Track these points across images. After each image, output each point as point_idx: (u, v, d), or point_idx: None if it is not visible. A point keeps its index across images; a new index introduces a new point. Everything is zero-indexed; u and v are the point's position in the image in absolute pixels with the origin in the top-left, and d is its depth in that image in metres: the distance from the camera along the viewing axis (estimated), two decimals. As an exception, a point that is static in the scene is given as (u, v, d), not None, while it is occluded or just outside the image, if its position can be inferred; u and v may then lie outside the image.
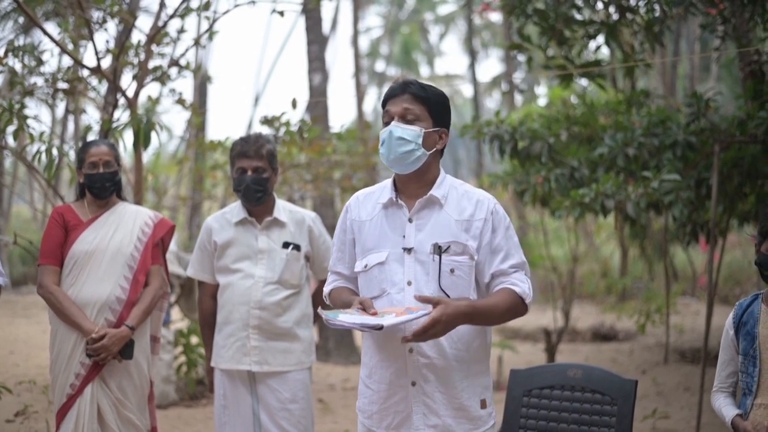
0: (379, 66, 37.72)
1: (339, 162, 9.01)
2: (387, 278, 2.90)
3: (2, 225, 18.46)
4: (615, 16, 7.64)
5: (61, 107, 16.48)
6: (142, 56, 6.13)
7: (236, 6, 6.24)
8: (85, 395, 3.98)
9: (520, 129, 7.53)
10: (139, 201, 6.02)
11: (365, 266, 2.96)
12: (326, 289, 3.14)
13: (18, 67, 6.14)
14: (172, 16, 6.15)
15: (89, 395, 3.98)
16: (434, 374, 2.88)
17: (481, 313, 2.83)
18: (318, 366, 9.49)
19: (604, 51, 12.49)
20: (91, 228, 4.13)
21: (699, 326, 11.57)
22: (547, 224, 12.42)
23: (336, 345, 10.41)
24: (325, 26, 19.22)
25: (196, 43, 6.56)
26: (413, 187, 2.97)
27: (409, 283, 2.88)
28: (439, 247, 2.87)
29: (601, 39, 7.84)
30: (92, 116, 18.07)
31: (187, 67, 6.47)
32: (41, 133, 5.17)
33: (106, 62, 6.02)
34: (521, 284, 2.93)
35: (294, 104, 6.90)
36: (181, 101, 6.75)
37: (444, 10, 36.43)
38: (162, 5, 6.61)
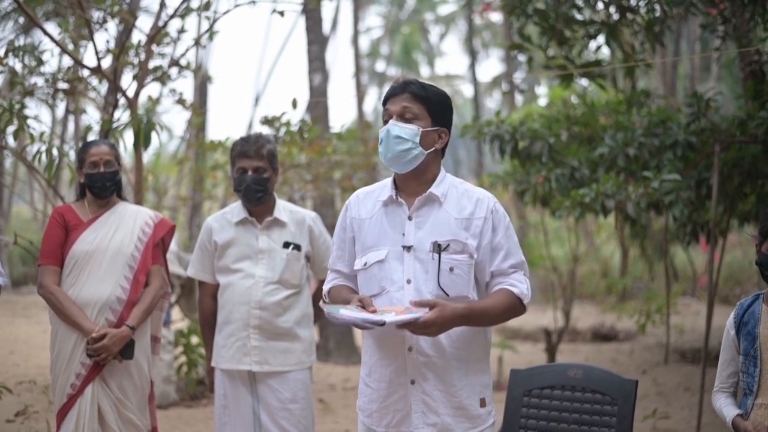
0: (380, 66, 37.75)
1: (339, 162, 9.01)
2: (386, 276, 2.91)
3: (2, 225, 18.46)
4: (615, 16, 7.64)
5: (61, 107, 16.48)
6: (143, 56, 6.13)
7: (236, 6, 6.24)
8: (86, 395, 3.97)
9: (520, 129, 7.53)
10: (139, 201, 6.02)
11: (365, 264, 2.96)
12: (326, 287, 3.14)
13: (18, 67, 6.14)
14: (172, 16, 6.15)
15: (90, 395, 3.98)
16: (433, 373, 2.88)
17: (478, 314, 2.84)
18: (318, 366, 9.49)
19: (605, 51, 12.49)
20: (92, 228, 4.13)
21: (699, 326, 11.57)
22: (547, 224, 12.43)
23: (336, 345, 10.41)
24: (326, 26, 19.23)
25: (197, 43, 6.56)
26: (413, 185, 2.97)
27: (409, 281, 2.89)
28: (439, 245, 2.88)
29: (601, 39, 7.84)
30: (92, 116, 18.08)
31: (187, 67, 6.47)
32: (41, 133, 5.17)
33: (107, 62, 6.02)
34: (520, 285, 2.93)
35: (294, 104, 6.90)
36: (181, 101, 6.75)
37: (444, 10, 36.47)
38: (162, 5, 6.61)
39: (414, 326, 2.73)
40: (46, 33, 5.79)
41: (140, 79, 6.09)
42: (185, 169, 15.84)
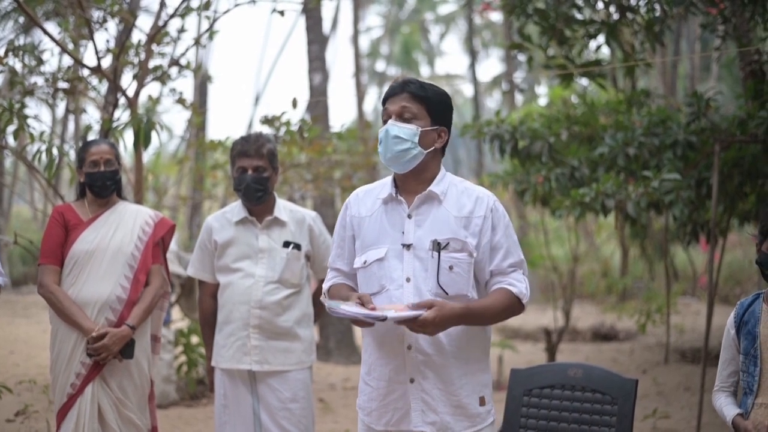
0: (380, 66, 37.73)
1: (339, 161, 9.01)
2: (386, 274, 2.91)
3: (2, 225, 18.46)
4: (615, 16, 7.64)
5: (61, 107, 16.48)
6: (143, 56, 6.13)
7: (236, 5, 6.23)
8: (86, 395, 3.97)
9: (520, 128, 7.53)
10: (139, 201, 6.02)
11: (364, 262, 2.97)
12: (325, 286, 3.15)
13: (18, 66, 6.14)
14: (172, 16, 6.15)
15: (90, 395, 3.98)
16: (433, 371, 2.89)
17: (476, 314, 2.85)
18: (318, 365, 9.49)
19: (605, 51, 12.49)
20: (92, 227, 4.13)
21: (699, 326, 11.57)
22: (547, 224, 12.42)
23: (336, 344, 10.40)
24: (326, 26, 19.23)
25: (197, 42, 6.55)
26: (412, 184, 2.97)
27: (408, 280, 2.89)
28: (438, 243, 2.88)
29: (601, 38, 7.84)
30: (92, 116, 18.06)
31: (187, 66, 6.47)
32: (41, 133, 5.17)
33: (107, 62, 6.02)
34: (518, 284, 2.94)
35: (294, 104, 6.90)
36: (181, 101, 6.75)
37: (444, 9, 36.46)
38: (162, 5, 6.61)
39: (413, 324, 2.74)
40: (46, 32, 5.79)
41: (140, 79, 6.09)
42: (185, 169, 15.85)
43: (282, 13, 6.23)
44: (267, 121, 7.20)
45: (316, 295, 4.40)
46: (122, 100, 6.04)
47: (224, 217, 4.34)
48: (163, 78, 6.35)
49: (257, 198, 4.22)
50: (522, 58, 9.57)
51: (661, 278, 13.68)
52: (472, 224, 2.93)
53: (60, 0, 6.70)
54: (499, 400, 3.85)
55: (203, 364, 7.58)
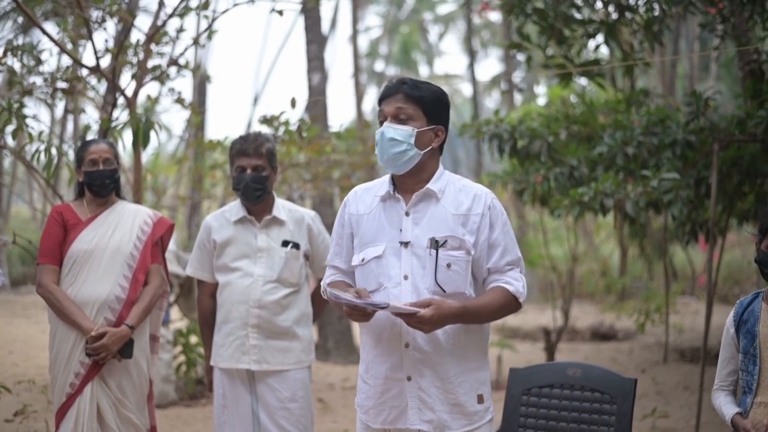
0: (379, 66, 37.73)
1: (338, 161, 9.01)
2: (384, 272, 2.92)
3: (1, 225, 18.46)
4: (614, 15, 7.63)
5: (60, 107, 16.49)
6: (141, 55, 6.12)
7: (235, 5, 6.23)
8: (85, 394, 3.97)
9: (519, 128, 7.53)
10: (138, 200, 6.01)
11: (362, 260, 2.97)
12: (323, 283, 3.15)
13: (17, 66, 6.13)
14: (171, 16, 6.15)
15: (89, 394, 3.97)
16: (430, 369, 2.89)
17: (473, 312, 2.86)
18: (317, 365, 9.49)
19: (604, 50, 12.47)
20: (91, 227, 4.12)
21: (698, 325, 11.57)
22: (546, 223, 12.42)
23: (335, 344, 10.40)
24: (325, 26, 19.20)
25: (195, 42, 6.55)
26: (410, 183, 2.98)
27: (406, 278, 2.89)
28: (436, 241, 2.88)
29: (600, 38, 7.83)
30: (91, 116, 18.06)
31: (186, 66, 6.46)
32: (40, 133, 5.17)
33: (105, 61, 6.02)
34: (515, 282, 2.94)
35: (293, 103, 6.90)
36: (180, 100, 6.74)
37: (443, 9, 36.46)
38: (161, 4, 6.60)
39: (410, 319, 2.74)
40: (44, 32, 5.79)
41: (139, 79, 6.09)
42: (184, 169, 15.84)
43: (281, 12, 6.23)
44: (266, 120, 7.20)
45: (315, 294, 4.40)
46: (121, 100, 6.04)
47: (223, 216, 4.34)
48: (161, 78, 6.35)
49: (256, 197, 4.22)
50: (521, 57, 9.57)
51: (660, 278, 13.67)
52: (470, 222, 2.93)
53: (59, 0, 6.69)
54: (498, 399, 3.86)
55: (202, 363, 7.58)
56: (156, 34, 6.08)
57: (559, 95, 12.23)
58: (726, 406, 3.20)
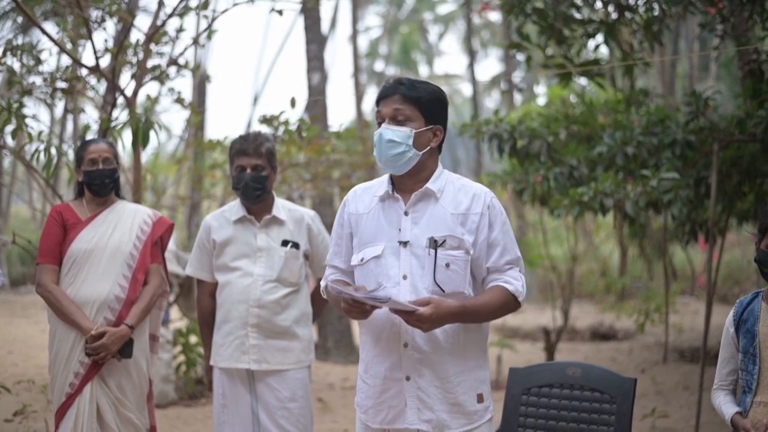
0: (378, 66, 37.73)
1: (338, 161, 9.01)
2: (383, 272, 2.91)
3: (1, 224, 18.45)
4: (614, 15, 7.63)
5: (59, 106, 16.50)
6: (141, 55, 6.12)
7: (235, 5, 6.23)
8: (84, 394, 3.97)
9: (519, 128, 7.52)
10: (137, 200, 6.01)
11: (361, 260, 2.97)
12: (323, 282, 3.16)
13: (16, 66, 6.13)
14: (170, 15, 6.14)
15: (88, 394, 3.97)
16: (429, 369, 2.89)
17: (471, 312, 2.86)
18: (317, 365, 9.48)
19: (603, 50, 12.47)
20: (90, 226, 4.12)
21: (698, 325, 11.57)
22: (546, 223, 12.42)
23: (335, 344, 10.40)
24: (324, 26, 19.20)
25: (195, 42, 6.55)
26: (409, 183, 2.98)
27: (405, 277, 2.89)
28: (435, 241, 2.88)
29: (600, 38, 7.83)
30: (91, 115, 18.08)
31: (185, 66, 6.46)
32: (40, 133, 5.17)
33: (105, 61, 6.01)
34: (515, 282, 2.94)
35: (293, 103, 6.89)
36: (179, 100, 6.74)
37: (443, 9, 36.45)
38: (161, 4, 6.59)
39: (409, 317, 2.74)
40: (44, 32, 5.78)
41: (139, 78, 6.08)
42: (184, 169, 15.84)
43: (280, 12, 6.23)
44: (265, 120, 7.19)
45: (315, 294, 4.40)
46: (121, 100, 6.03)
47: (223, 216, 4.34)
48: (161, 77, 6.34)
49: (256, 197, 4.22)
50: (521, 57, 9.57)
51: (660, 277, 13.67)
52: (469, 221, 2.93)
53: (58, 0, 6.69)
54: (498, 399, 3.86)
55: (202, 363, 7.58)
56: (156, 33, 6.07)
57: (558, 95, 12.24)
58: (726, 405, 3.20)
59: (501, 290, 2.92)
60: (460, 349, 2.92)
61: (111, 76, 5.88)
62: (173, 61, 6.35)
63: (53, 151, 5.08)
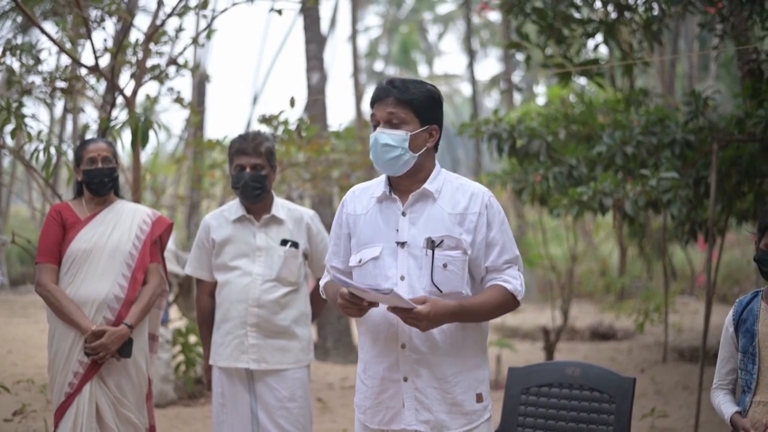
0: (378, 65, 37.72)
1: (337, 161, 9.01)
2: (381, 273, 2.91)
3: (1, 224, 18.44)
4: (613, 15, 7.63)
5: (59, 106, 16.47)
6: (140, 55, 6.11)
7: (234, 4, 6.23)
8: (84, 394, 3.97)
9: (518, 127, 7.52)
10: (137, 200, 6.00)
11: (359, 261, 2.97)
12: (322, 282, 3.16)
13: (16, 66, 6.12)
14: (170, 15, 6.14)
15: (87, 394, 3.97)
16: (427, 369, 2.89)
17: (469, 311, 2.86)
18: (316, 365, 9.48)
19: (603, 50, 12.48)
20: (89, 226, 4.12)
21: (698, 325, 11.57)
22: (545, 223, 12.42)
23: (335, 344, 10.40)
24: (324, 25, 19.21)
25: (195, 41, 6.54)
26: (407, 183, 2.98)
27: (402, 278, 2.89)
28: (432, 241, 2.88)
29: (599, 38, 7.83)
30: (90, 115, 18.09)
31: (185, 65, 6.45)
32: (39, 132, 5.16)
33: (104, 61, 6.01)
34: (513, 281, 2.94)
35: (292, 103, 6.89)
36: (179, 100, 6.73)
37: (443, 9, 36.44)
38: (160, 4, 6.59)
39: (407, 315, 2.74)
40: (43, 32, 5.78)
41: (138, 78, 6.08)
42: (183, 168, 15.83)
43: (280, 12, 6.23)
44: (265, 120, 7.19)
45: (314, 293, 4.40)
46: (120, 100, 6.03)
47: (222, 215, 4.34)
48: (161, 77, 6.34)
49: (255, 196, 4.22)
50: (520, 57, 9.56)
51: (660, 277, 13.68)
52: (467, 221, 2.93)
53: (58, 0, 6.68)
54: (497, 398, 3.86)
55: (201, 363, 7.58)
56: (155, 33, 6.07)
57: (558, 95, 12.22)
58: (725, 405, 3.20)
59: (499, 289, 2.92)
60: (458, 349, 2.92)
61: (110, 75, 5.87)
62: (173, 61, 6.35)
63: (53, 150, 5.08)
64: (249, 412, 4.21)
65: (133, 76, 6.12)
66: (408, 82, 2.96)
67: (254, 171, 4.20)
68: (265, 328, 4.20)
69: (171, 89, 6.71)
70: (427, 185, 2.96)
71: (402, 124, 2.92)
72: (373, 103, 2.98)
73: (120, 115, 6.05)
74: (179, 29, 6.38)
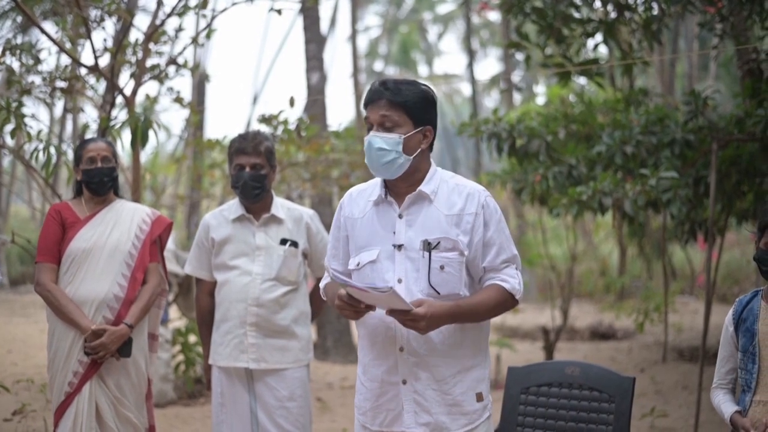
0: (378, 65, 37.72)
1: (337, 160, 9.01)
2: (379, 276, 2.91)
3: (0, 224, 18.44)
4: (613, 15, 7.63)
5: (59, 106, 16.46)
6: (140, 55, 6.11)
7: (234, 4, 6.23)
8: (83, 393, 3.97)
9: (518, 127, 7.52)
10: (136, 200, 6.00)
11: (357, 264, 2.97)
12: (322, 284, 3.16)
13: (16, 65, 6.12)
14: (169, 15, 6.14)
15: (87, 393, 3.97)
16: (426, 372, 2.89)
17: (466, 311, 2.86)
18: (316, 364, 9.48)
19: (603, 49, 12.47)
20: (89, 225, 4.12)
21: (697, 325, 11.57)
22: (545, 223, 12.42)
23: (334, 343, 10.40)
24: (324, 25, 19.22)
25: (194, 41, 6.54)
26: (403, 185, 2.97)
27: (400, 281, 2.89)
28: (429, 243, 2.88)
29: (599, 37, 7.83)
30: (90, 115, 18.07)
31: (185, 65, 6.45)
32: (39, 132, 5.16)
33: (104, 61, 6.01)
34: (511, 280, 2.94)
35: (292, 102, 6.89)
36: (179, 100, 6.73)
37: (443, 9, 36.45)
38: (160, 4, 6.59)
39: (404, 317, 2.74)
40: (43, 31, 5.78)
41: (138, 78, 6.08)
42: (183, 168, 15.83)
43: (280, 12, 6.22)
44: (265, 119, 7.19)
45: (314, 293, 4.40)
46: (120, 99, 6.03)
47: (221, 214, 4.34)
48: (160, 77, 6.34)
49: (254, 195, 4.22)
50: (520, 57, 9.56)
51: (659, 277, 13.68)
52: (464, 221, 2.92)
53: (57, -1, 6.68)
54: (497, 398, 3.86)
55: (201, 363, 7.58)
56: (155, 33, 6.07)
57: (558, 94, 12.22)
58: (725, 404, 3.20)
59: (496, 288, 2.92)
60: (456, 350, 2.92)
61: (110, 75, 5.87)
62: (172, 61, 6.35)
63: (52, 150, 5.08)
64: (248, 411, 4.21)
65: (132, 75, 6.12)
66: (401, 84, 2.94)
67: (254, 170, 4.21)
68: (264, 328, 4.20)
69: (171, 89, 6.71)
70: (422, 187, 2.95)
71: (395, 127, 2.91)
72: (366, 105, 2.97)
73: (120, 114, 6.06)
74: (179, 29, 6.38)
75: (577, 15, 7.73)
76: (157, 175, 15.05)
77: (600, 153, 6.96)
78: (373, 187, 3.05)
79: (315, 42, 11.00)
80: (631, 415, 3.45)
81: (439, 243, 2.88)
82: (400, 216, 2.94)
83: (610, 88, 10.82)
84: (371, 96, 2.95)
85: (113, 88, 5.90)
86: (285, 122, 7.17)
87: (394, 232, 2.93)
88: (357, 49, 22.20)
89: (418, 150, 2.94)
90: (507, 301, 2.94)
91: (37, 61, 6.11)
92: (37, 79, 6.23)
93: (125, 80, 6.20)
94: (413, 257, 2.89)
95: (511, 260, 2.96)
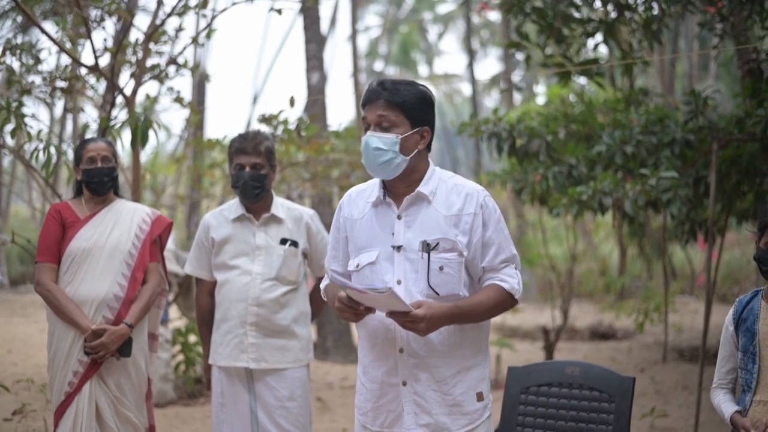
0: (378, 65, 37.71)
1: (337, 160, 9.01)
2: (378, 278, 2.91)
3: (0, 224, 18.44)
4: (613, 15, 7.62)
5: (59, 106, 16.46)
6: (140, 54, 6.12)
7: (234, 4, 6.23)
8: (83, 393, 3.97)
9: (518, 127, 7.52)
10: (136, 199, 6.00)
11: (357, 266, 2.97)
12: (322, 285, 3.16)
13: (16, 65, 6.13)
14: (170, 15, 6.14)
15: (87, 393, 3.97)
16: (426, 373, 2.89)
17: (465, 312, 2.85)
18: (316, 364, 9.48)
19: (603, 49, 12.47)
20: (89, 225, 4.12)
21: (697, 325, 11.57)
22: (545, 222, 12.41)
23: (334, 343, 10.40)
24: (324, 25, 19.21)
25: (194, 41, 6.54)
26: (401, 187, 2.96)
27: (399, 282, 2.88)
28: (428, 244, 2.87)
29: (599, 37, 7.83)
30: (90, 115, 18.06)
31: (185, 65, 6.46)
32: (39, 132, 5.16)
33: (104, 60, 6.01)
34: (510, 279, 2.93)
35: (292, 102, 6.89)
36: (179, 99, 6.73)
37: (443, 9, 36.43)
38: (160, 3, 6.58)
39: (404, 319, 2.74)
40: (43, 31, 5.78)
41: (138, 78, 6.08)
42: (183, 168, 15.83)
43: (280, 11, 6.22)
44: (265, 119, 7.19)
45: (314, 293, 4.40)
46: (120, 99, 6.03)
47: (221, 214, 4.34)
48: (160, 77, 6.34)
49: (254, 195, 4.22)
50: (520, 56, 9.56)
51: (659, 277, 13.68)
52: (462, 222, 2.92)
53: (57, -1, 6.68)
54: (497, 398, 3.86)
55: (201, 363, 7.58)
56: (155, 33, 6.07)
57: (558, 94, 12.21)
58: (725, 404, 3.20)
59: (495, 288, 2.92)
60: (456, 350, 2.91)
61: (110, 75, 5.87)
62: (172, 60, 6.35)
63: (52, 150, 5.08)
64: (248, 411, 4.21)
65: (132, 75, 6.12)
66: (398, 84, 2.93)
67: (254, 170, 4.21)
68: (264, 327, 4.20)
69: (171, 89, 6.71)
70: (421, 188, 2.94)
71: (392, 127, 2.90)
72: (363, 105, 2.96)
73: (120, 114, 6.06)
74: (179, 29, 6.38)
75: (577, 15, 7.73)
76: (157, 175, 15.04)
77: (600, 153, 6.96)
78: (372, 187, 3.05)
79: (315, 42, 11.00)
80: (631, 415, 3.45)
81: (438, 244, 2.88)
82: (399, 217, 2.94)
83: (610, 88, 10.82)
84: (369, 96, 2.94)
85: (113, 88, 5.90)
86: (285, 122, 7.17)
87: (393, 234, 2.93)
88: (357, 49, 22.19)
89: (416, 150, 2.94)
90: (506, 301, 2.94)
91: (37, 60, 6.11)
92: (37, 79, 6.24)
93: (125, 80, 6.20)
94: (412, 258, 2.89)
95: (510, 260, 2.96)
